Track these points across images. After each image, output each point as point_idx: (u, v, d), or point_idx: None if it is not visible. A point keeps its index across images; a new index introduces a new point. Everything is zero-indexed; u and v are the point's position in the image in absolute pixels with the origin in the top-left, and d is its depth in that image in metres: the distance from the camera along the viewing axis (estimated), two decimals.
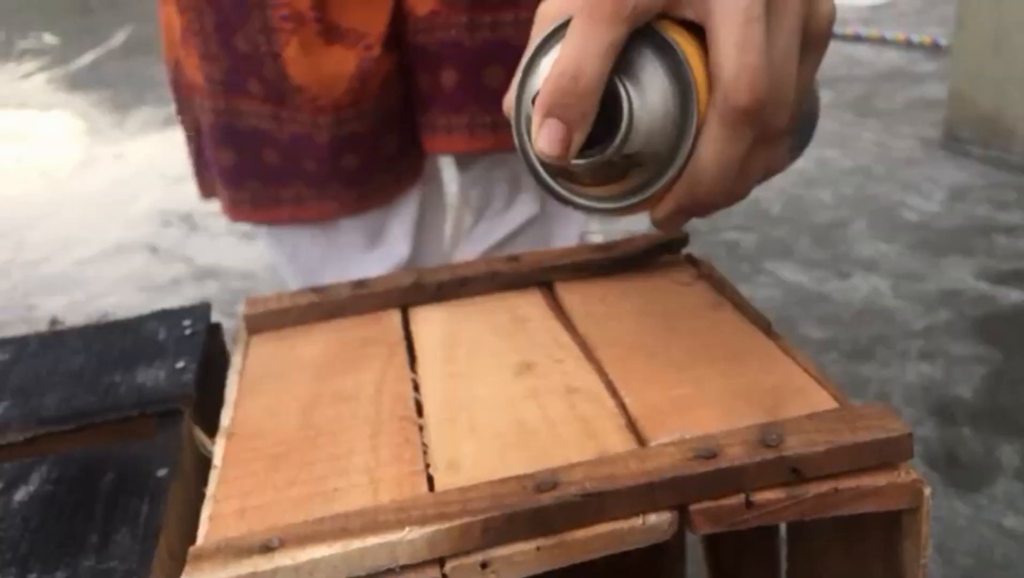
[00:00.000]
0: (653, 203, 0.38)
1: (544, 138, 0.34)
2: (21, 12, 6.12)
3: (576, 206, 0.38)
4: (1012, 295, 2.10)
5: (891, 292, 2.16)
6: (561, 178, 0.38)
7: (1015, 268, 2.21)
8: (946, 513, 1.51)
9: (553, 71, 0.34)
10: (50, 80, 4.69)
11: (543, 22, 0.38)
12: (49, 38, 5.52)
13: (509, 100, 0.38)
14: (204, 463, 0.41)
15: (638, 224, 2.48)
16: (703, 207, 0.38)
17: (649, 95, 0.35)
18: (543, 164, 0.37)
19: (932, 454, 1.65)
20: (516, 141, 0.38)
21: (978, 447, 1.67)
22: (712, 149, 0.36)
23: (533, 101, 0.35)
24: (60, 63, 4.94)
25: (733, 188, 0.38)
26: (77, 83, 4.56)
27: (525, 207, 0.83)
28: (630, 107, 0.35)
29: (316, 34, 0.65)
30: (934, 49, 3.64)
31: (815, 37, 0.38)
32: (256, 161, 0.70)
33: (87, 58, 4.93)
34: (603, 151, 0.35)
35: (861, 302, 2.12)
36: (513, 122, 0.38)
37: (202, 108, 0.70)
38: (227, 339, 0.52)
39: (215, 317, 0.51)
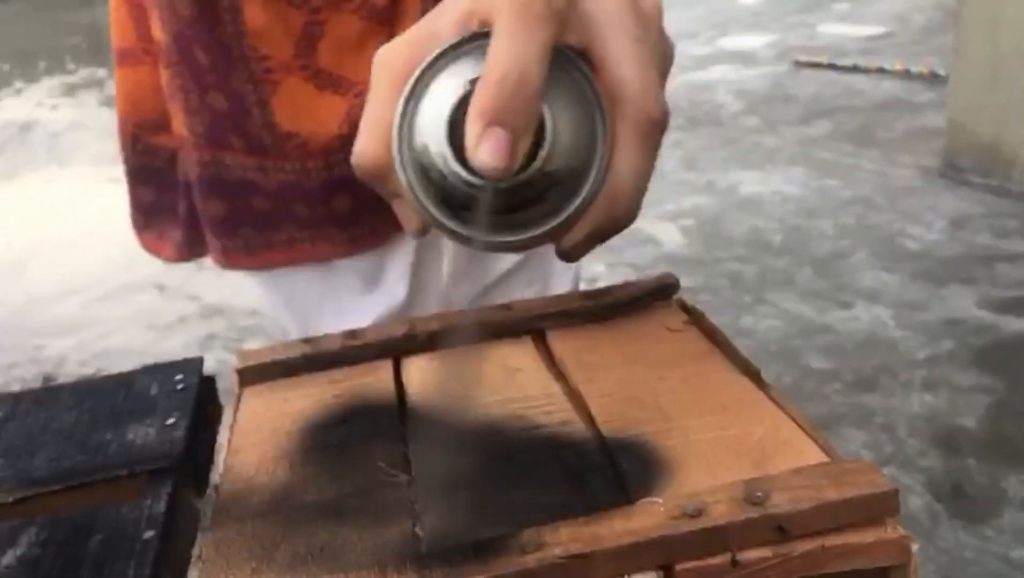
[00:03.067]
0: (567, 228, 0.37)
1: (488, 150, 0.33)
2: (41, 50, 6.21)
3: (486, 245, 0.37)
4: (1015, 324, 2.10)
5: (893, 322, 2.16)
6: (465, 214, 0.36)
7: (1017, 296, 2.21)
8: (952, 545, 1.50)
9: (491, 76, 0.33)
10: (68, 117, 4.75)
11: (388, 67, 0.37)
12: (52, 81, 5.59)
13: (373, 146, 0.37)
14: (194, 522, 0.41)
15: (635, 262, 2.49)
16: (617, 225, 0.38)
17: (563, 109, 0.35)
18: (444, 201, 0.36)
19: (937, 485, 1.64)
20: (403, 182, 0.36)
21: (984, 478, 1.66)
22: (630, 162, 0.36)
23: (444, 135, 0.34)
24: (69, 104, 5.00)
25: (639, 205, 0.38)
26: (88, 123, 4.61)
27: None
28: (552, 119, 0.34)
29: (305, 80, 0.65)
30: (932, 79, 3.67)
31: (666, 67, 0.39)
32: (246, 208, 0.71)
33: (96, 98, 4.98)
34: (528, 165, 0.34)
35: (864, 332, 2.12)
36: (397, 164, 0.36)
37: (189, 160, 0.71)
38: (233, 378, 0.52)
39: (222, 354, 0.51)
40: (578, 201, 0.36)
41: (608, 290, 0.56)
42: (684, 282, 0.57)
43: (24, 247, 3.20)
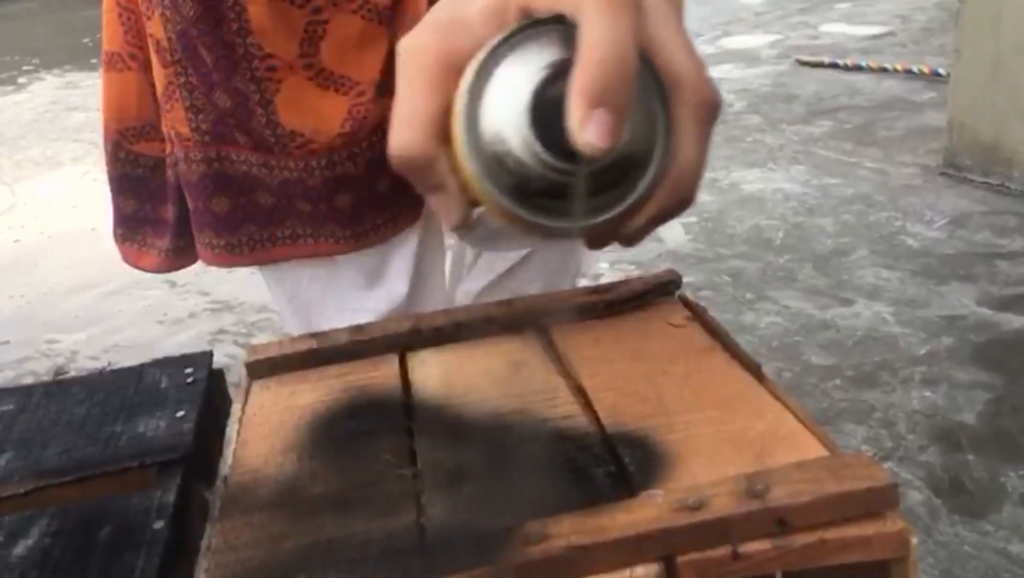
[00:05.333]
0: (634, 211, 0.38)
1: (594, 131, 0.33)
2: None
3: (556, 231, 0.37)
4: (1014, 321, 2.10)
5: (893, 319, 2.16)
6: (537, 201, 0.36)
7: (1017, 294, 2.21)
8: (951, 540, 1.51)
9: (592, 58, 0.33)
10: (78, 114, 4.75)
11: (418, 57, 0.37)
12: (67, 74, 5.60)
13: (415, 138, 0.36)
14: (203, 513, 0.42)
15: (637, 259, 2.50)
16: (679, 207, 0.39)
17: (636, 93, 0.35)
18: (516, 190, 0.36)
19: (936, 481, 1.65)
20: (471, 173, 0.35)
21: (982, 473, 1.66)
22: (691, 145, 0.37)
23: (526, 122, 0.34)
24: (85, 98, 5.00)
25: (698, 187, 0.39)
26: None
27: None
28: None
29: (307, 79, 0.66)
30: (933, 78, 3.67)
31: None
32: (251, 204, 0.71)
33: None
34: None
35: (864, 329, 2.13)
36: (466, 155, 0.35)
37: (189, 160, 0.71)
38: (241, 371, 0.53)
39: (231, 349, 0.52)
40: (646, 184, 0.37)
41: (612, 286, 0.57)
42: (686, 279, 0.58)
43: (36, 242, 3.21)
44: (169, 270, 0.79)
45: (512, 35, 0.35)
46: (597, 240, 0.41)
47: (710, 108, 0.37)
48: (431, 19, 0.38)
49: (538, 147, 0.34)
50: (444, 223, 0.40)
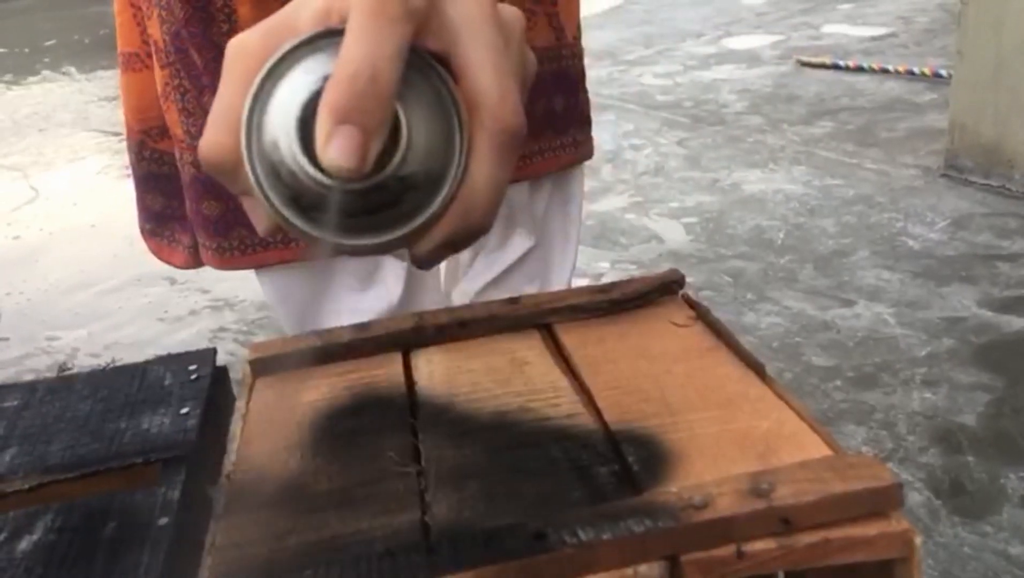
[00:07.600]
0: (421, 234, 0.36)
1: (338, 149, 0.31)
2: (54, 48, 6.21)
3: (335, 248, 0.35)
4: (1015, 322, 2.10)
5: (894, 320, 2.16)
6: (315, 214, 0.34)
7: (1017, 295, 2.21)
8: (951, 541, 1.51)
9: (342, 73, 0.32)
10: (77, 111, 4.75)
11: (240, 58, 0.36)
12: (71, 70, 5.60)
13: (221, 139, 0.35)
14: (207, 510, 0.42)
15: (639, 259, 2.50)
16: (471, 235, 0.37)
17: (420, 114, 0.34)
18: (294, 201, 0.34)
19: (937, 482, 1.65)
20: (251, 179, 0.34)
21: (983, 475, 1.66)
22: (485, 171, 0.35)
23: (295, 132, 0.33)
24: (85, 96, 5.00)
25: (494, 214, 0.37)
26: (102, 116, 4.61)
27: (521, 242, 0.84)
28: (408, 122, 0.33)
29: None
30: (935, 79, 3.67)
31: (526, 77, 0.38)
32: (240, 209, 0.71)
33: (111, 91, 4.98)
34: (383, 167, 0.33)
35: (865, 330, 2.13)
36: (246, 160, 0.34)
37: (183, 161, 0.71)
38: (244, 369, 0.53)
39: (232, 347, 0.52)
40: (433, 208, 0.35)
41: (615, 285, 0.57)
42: (687, 279, 0.58)
43: (36, 239, 3.21)
44: (196, 266, 0.79)
45: (306, 42, 0.34)
46: (418, 261, 0.39)
47: (509, 134, 0.35)
48: (265, 22, 0.37)
49: (303, 160, 0.33)
50: (256, 228, 0.39)
